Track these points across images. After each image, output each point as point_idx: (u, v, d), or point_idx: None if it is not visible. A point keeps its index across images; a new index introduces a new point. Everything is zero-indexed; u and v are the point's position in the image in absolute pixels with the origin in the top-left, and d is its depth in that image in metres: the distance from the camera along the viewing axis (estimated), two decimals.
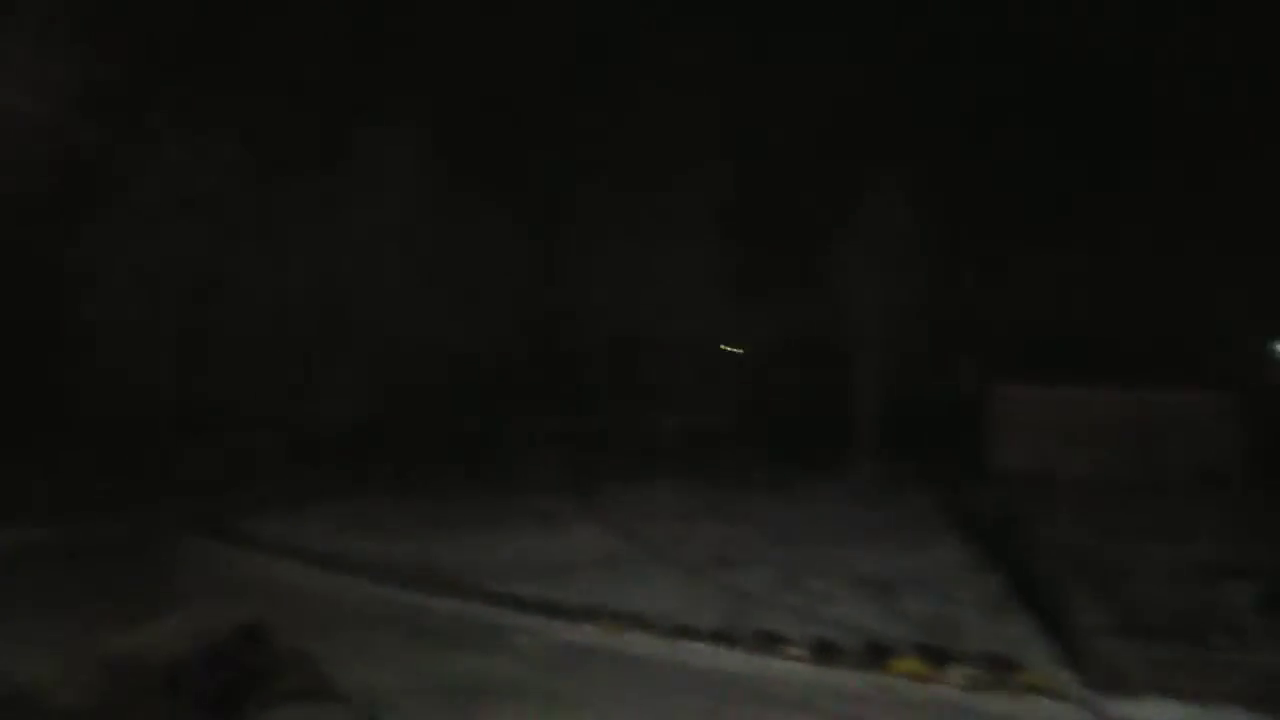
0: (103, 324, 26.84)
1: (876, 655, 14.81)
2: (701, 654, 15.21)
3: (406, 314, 31.61)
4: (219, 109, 28.27)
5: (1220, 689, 12.89)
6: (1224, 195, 29.67)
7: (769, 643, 15.38)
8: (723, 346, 40.32)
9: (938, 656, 14.58)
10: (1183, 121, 30.39)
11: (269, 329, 29.76)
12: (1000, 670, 14.16)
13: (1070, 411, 29.52)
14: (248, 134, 28.47)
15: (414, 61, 33.03)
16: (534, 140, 35.94)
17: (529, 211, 35.96)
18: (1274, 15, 26.52)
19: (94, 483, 24.58)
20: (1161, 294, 30.91)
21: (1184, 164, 30.67)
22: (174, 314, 28.69)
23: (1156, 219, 30.46)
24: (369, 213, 30.96)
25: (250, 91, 29.15)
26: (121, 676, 10.01)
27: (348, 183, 30.48)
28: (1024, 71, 32.33)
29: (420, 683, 13.42)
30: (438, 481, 28.27)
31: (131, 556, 20.80)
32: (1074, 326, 32.68)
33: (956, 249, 32.65)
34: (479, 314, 33.25)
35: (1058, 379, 30.21)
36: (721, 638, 15.61)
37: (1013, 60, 32.33)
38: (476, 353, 33.69)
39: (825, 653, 15.00)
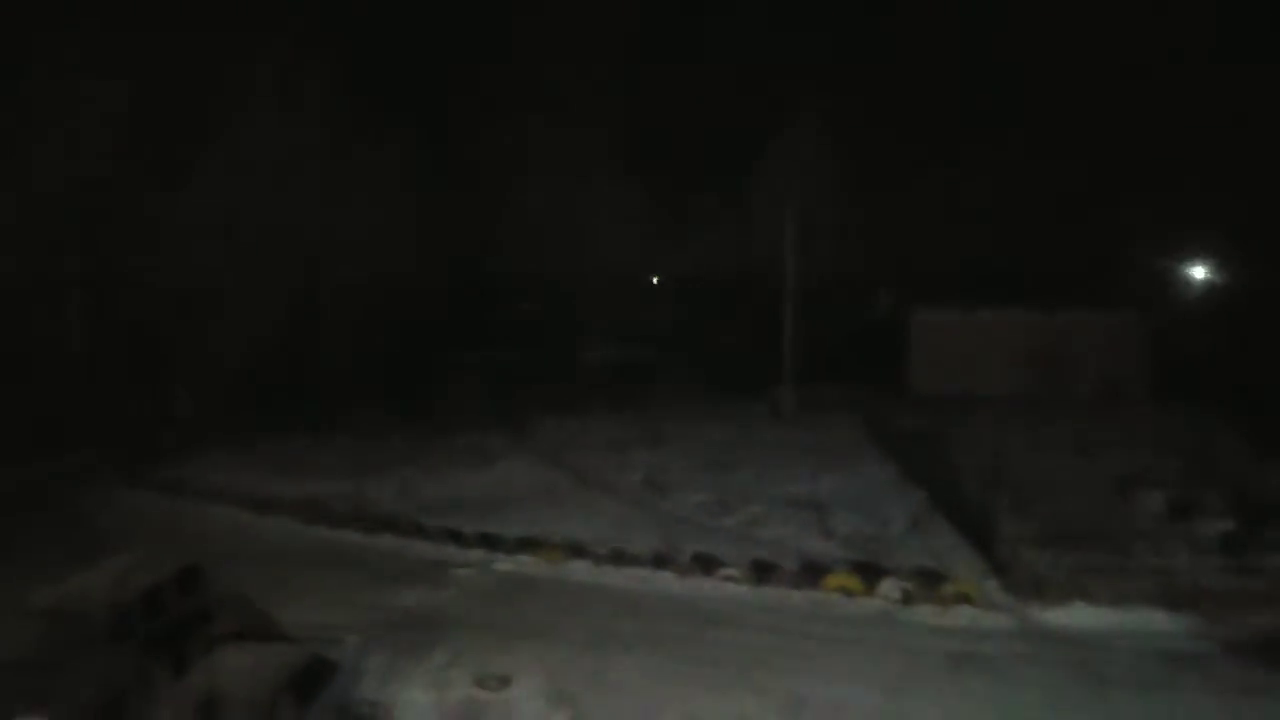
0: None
1: (811, 573, 15.14)
2: (641, 578, 15.36)
3: (328, 251, 30.69)
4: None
5: (1137, 592, 13.55)
6: (1123, 124, 30.43)
7: (706, 565, 15.60)
8: (653, 279, 40.28)
9: (870, 571, 14.98)
10: (1087, 54, 30.91)
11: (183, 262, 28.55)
12: (929, 582, 14.61)
13: (985, 334, 30.37)
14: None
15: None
16: (453, 79, 34.93)
17: (450, 151, 35.09)
18: None
19: (17, 432, 23.46)
20: (1069, 220, 31.73)
21: (1085, 96, 31.28)
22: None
23: (1060, 151, 31.14)
24: (284, 150, 29.71)
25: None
26: (59, 625, 9.63)
27: (260, 118, 29.15)
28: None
29: (362, 619, 13.27)
30: (368, 420, 27.76)
31: (62, 506, 20.03)
32: (985, 253, 33.37)
33: (871, 181, 32.92)
34: (402, 251, 32.45)
35: (972, 303, 30.97)
36: (659, 561, 15.78)
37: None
38: (402, 289, 32.98)
39: (761, 572, 15.28)
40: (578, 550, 16.39)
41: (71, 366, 27.05)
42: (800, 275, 28.97)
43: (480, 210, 36.20)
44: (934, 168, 32.99)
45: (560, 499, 19.63)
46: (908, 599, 14.25)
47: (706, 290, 38.85)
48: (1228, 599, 13.61)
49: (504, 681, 11.66)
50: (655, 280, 42.46)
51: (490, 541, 17.00)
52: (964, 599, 14.15)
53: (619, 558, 16.04)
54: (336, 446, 24.79)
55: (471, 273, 37.62)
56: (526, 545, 16.70)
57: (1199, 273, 30.22)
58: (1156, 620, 13.28)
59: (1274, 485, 18.04)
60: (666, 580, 15.31)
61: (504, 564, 16.24)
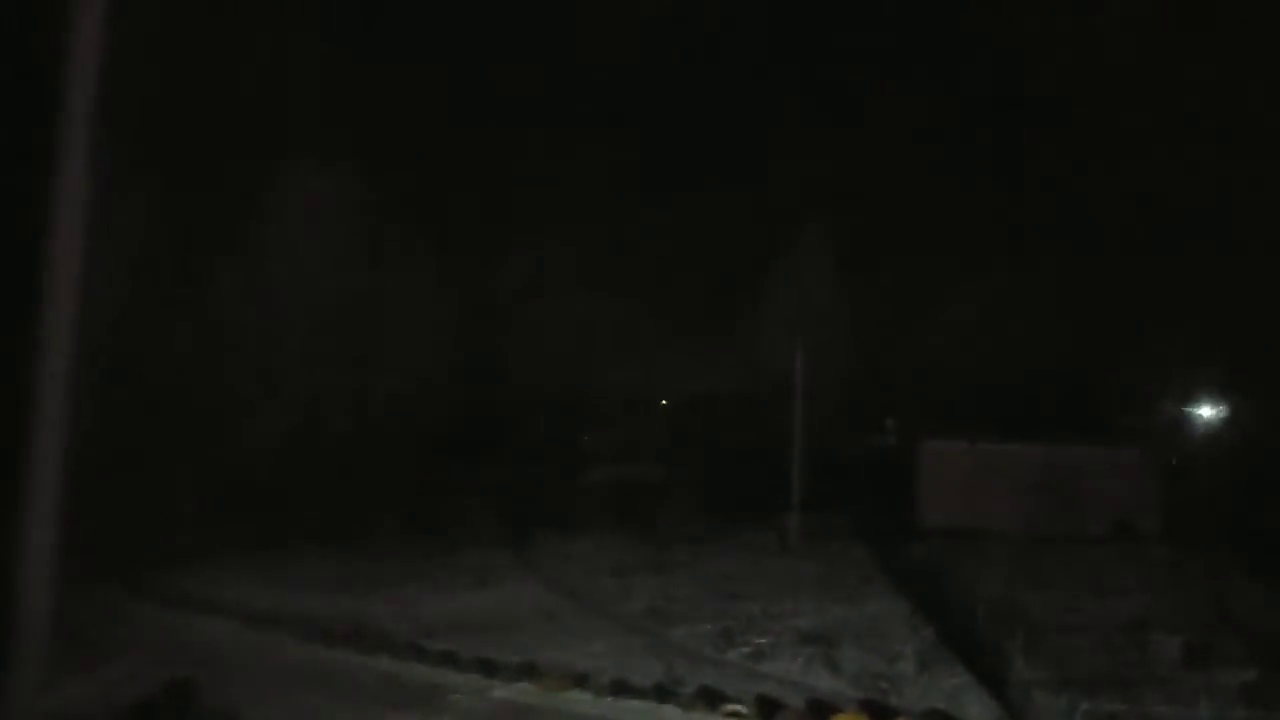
0: None
1: (819, 711, 14.63)
2: (642, 711, 14.87)
3: (337, 363, 31.01)
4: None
5: None
6: (1130, 262, 30.97)
7: (710, 699, 15.11)
8: (661, 401, 40.43)
9: (879, 711, 14.48)
10: (1094, 187, 31.75)
11: (187, 375, 28.81)
12: None
13: (993, 466, 30.16)
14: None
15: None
16: (461, 192, 35.96)
17: (457, 262, 35.86)
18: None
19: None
20: (1074, 356, 31.94)
21: (1089, 230, 31.96)
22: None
23: (1069, 282, 31.61)
24: (292, 261, 30.42)
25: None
26: None
27: (272, 229, 29.97)
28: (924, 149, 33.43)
29: None
30: (369, 535, 27.47)
31: (60, 611, 19.64)
32: (994, 386, 33.51)
33: (880, 308, 33.39)
34: (410, 365, 32.80)
35: (980, 435, 30.91)
36: (662, 694, 15.29)
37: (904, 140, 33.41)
38: (406, 405, 33.16)
39: (767, 709, 14.77)
40: (578, 679, 15.92)
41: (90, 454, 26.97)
42: (808, 401, 29.07)
43: (492, 329, 36.74)
44: (947, 297, 33.47)
45: (561, 624, 19.20)
46: None
47: (714, 414, 38.94)
48: None
49: None
50: (664, 403, 42.62)
51: (488, 667, 16.53)
52: None
53: (620, 688, 15.56)
54: (338, 561, 24.45)
55: (485, 391, 37.87)
56: (526, 672, 16.23)
57: (1212, 412, 30.23)
58: None
59: None
60: (670, 714, 14.81)
61: (501, 691, 15.75)
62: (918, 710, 14.50)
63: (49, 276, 2.19)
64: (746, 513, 30.60)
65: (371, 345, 32.52)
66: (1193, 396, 29.84)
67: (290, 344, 29.70)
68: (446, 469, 34.59)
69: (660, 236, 36.31)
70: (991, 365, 32.97)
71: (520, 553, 25.73)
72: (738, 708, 14.84)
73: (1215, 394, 29.81)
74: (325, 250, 30.89)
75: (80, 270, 2.28)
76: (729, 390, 37.53)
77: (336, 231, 31.37)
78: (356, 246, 31.90)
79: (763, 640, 18.02)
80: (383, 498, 30.85)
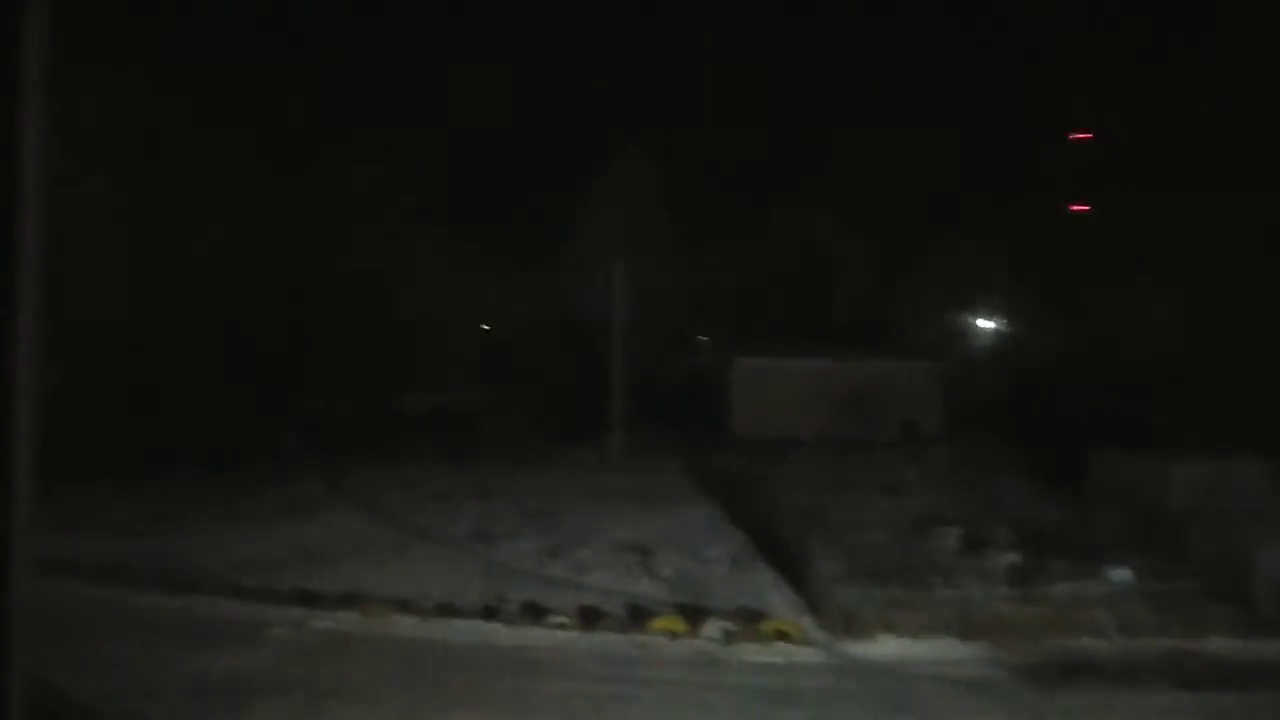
0: None
1: (637, 617, 15.31)
2: (468, 631, 15.07)
3: (131, 287, 28.86)
4: None
5: (936, 623, 14.44)
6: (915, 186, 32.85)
7: (535, 614, 15.50)
8: (482, 326, 39.95)
9: (693, 613, 15.29)
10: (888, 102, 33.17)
11: None
12: (749, 620, 15.06)
13: (799, 380, 31.84)
14: None
15: None
16: (276, 112, 33.78)
17: (267, 184, 33.87)
18: None
19: None
20: (869, 275, 33.82)
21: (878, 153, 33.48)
22: None
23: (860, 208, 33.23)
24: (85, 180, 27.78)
25: None
26: None
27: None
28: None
29: (167, 687, 12.37)
30: (174, 471, 26.04)
31: None
32: (798, 306, 35.09)
33: (695, 232, 34.07)
34: (211, 291, 30.95)
35: (787, 352, 32.47)
36: (488, 613, 15.54)
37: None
38: (213, 335, 31.36)
39: (589, 618, 15.31)
40: (403, 605, 15.90)
41: None
42: (628, 323, 29.55)
43: (304, 254, 35.05)
44: (754, 224, 34.47)
45: (384, 552, 19.04)
46: (729, 638, 14.62)
47: (536, 337, 38.91)
48: (1015, 627, 14.70)
49: None
50: (485, 326, 42.20)
51: (308, 599, 16.24)
52: (782, 636, 14.65)
53: (446, 611, 15.68)
54: (141, 500, 23.09)
55: (292, 315, 36.17)
56: (348, 601, 16.06)
57: (986, 323, 32.83)
58: (953, 649, 14.17)
59: (1053, 519, 19.71)
60: (496, 632, 15.09)
61: (324, 622, 15.54)
62: (729, 609, 15.41)
63: None
64: (569, 434, 31.06)
65: (167, 267, 30.37)
66: (973, 309, 32.36)
67: (84, 262, 27.24)
68: (254, 399, 33.11)
69: (481, 159, 35.49)
70: (799, 284, 34.45)
71: (337, 484, 25.13)
72: (562, 619, 15.31)
73: (993, 306, 32.42)
74: (120, 167, 28.39)
75: None
76: (551, 315, 37.54)
77: (125, 144, 28.79)
78: (150, 161, 29.47)
79: (585, 554, 18.56)
80: (183, 432, 29.21)
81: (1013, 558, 17.22)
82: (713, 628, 14.80)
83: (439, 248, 33.84)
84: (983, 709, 12.27)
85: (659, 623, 14.98)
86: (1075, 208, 30.91)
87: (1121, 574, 16.91)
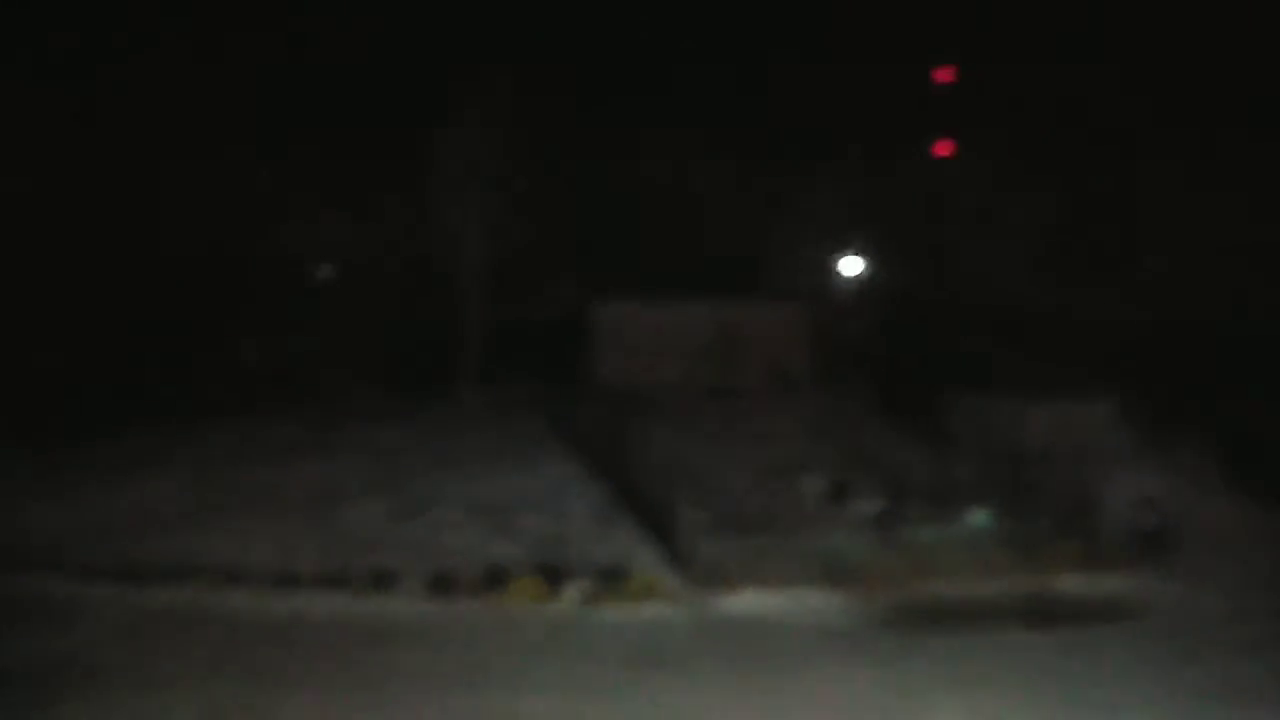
0: None
1: (494, 581, 15.10)
2: (309, 602, 14.54)
3: None
4: None
5: (802, 573, 14.81)
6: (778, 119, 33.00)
7: (383, 582, 15.08)
8: (323, 269, 38.19)
9: (553, 574, 15.19)
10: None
11: None
12: (611, 579, 15.09)
13: (665, 326, 31.86)
14: None
15: None
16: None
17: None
18: None
19: None
20: (727, 215, 33.97)
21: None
22: None
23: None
24: None
25: None
26: None
27: None
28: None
29: None
30: None
31: None
32: (661, 247, 34.97)
33: (550, 171, 33.38)
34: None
35: (652, 297, 32.41)
36: (332, 581, 15.03)
37: None
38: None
39: (442, 584, 15.02)
40: (236, 576, 15.20)
41: None
42: (484, 266, 28.84)
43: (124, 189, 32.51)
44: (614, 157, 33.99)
45: (215, 517, 18.08)
46: (592, 599, 14.61)
47: (384, 281, 37.54)
48: (879, 574, 15.25)
49: None
50: (326, 268, 40.40)
51: (132, 572, 15.32)
52: (646, 593, 14.74)
53: (285, 581, 15.08)
54: None
55: (117, 259, 33.62)
56: (176, 575, 15.23)
57: (854, 267, 33.62)
58: (819, 599, 14.60)
59: (915, 462, 20.49)
60: (341, 601, 14.62)
61: (150, 597, 14.70)
62: (592, 567, 15.38)
63: None
64: (421, 385, 30.21)
65: None
66: (841, 252, 33.02)
67: None
68: (63, 354, 30.76)
69: (317, 92, 33.52)
70: (663, 228, 34.31)
71: (162, 444, 23.65)
72: (411, 585, 14.94)
73: (859, 249, 33.16)
74: None
75: None
76: (401, 257, 36.22)
77: None
78: None
79: (437, 515, 18.13)
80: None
81: (877, 504, 17.81)
82: (575, 588, 14.77)
83: (273, 180, 32.03)
84: (845, 658, 12.66)
85: (517, 586, 14.83)
86: (940, 149, 31.85)
87: (980, 516, 17.78)
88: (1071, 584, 16.08)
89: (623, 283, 32.85)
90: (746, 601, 14.49)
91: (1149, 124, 26.86)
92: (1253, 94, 25.38)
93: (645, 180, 33.56)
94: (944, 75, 32.29)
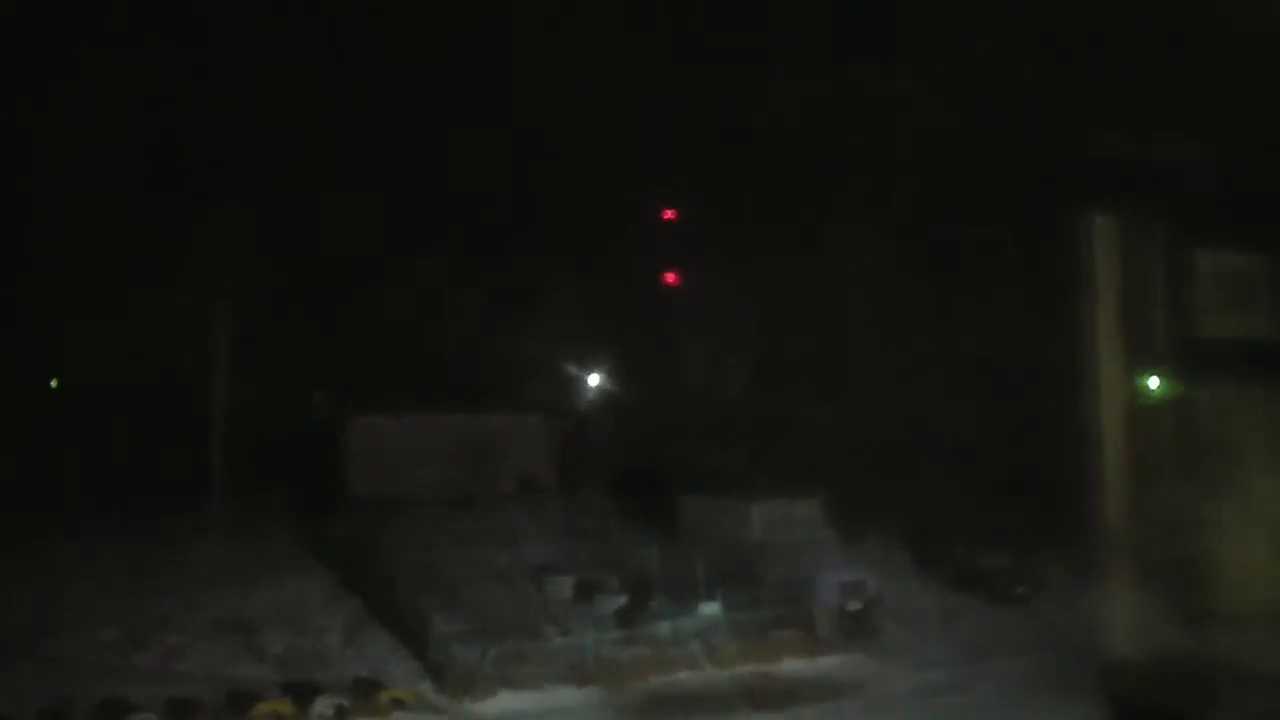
0: None
1: (238, 704, 13.85)
2: None
3: None
4: None
5: (552, 673, 14.68)
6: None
7: (113, 713, 13.41)
8: (50, 382, 34.44)
9: (303, 692, 14.15)
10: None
11: None
12: (364, 692, 14.27)
13: (416, 437, 31.11)
14: None
15: None
16: None
17: None
18: None
19: None
20: (483, 335, 34.17)
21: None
22: None
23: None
24: None
25: None
26: None
27: None
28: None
29: None
30: None
31: None
32: (413, 362, 34.44)
33: (303, 286, 32.31)
34: None
35: (403, 409, 31.66)
36: (51, 717, 13.16)
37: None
38: None
39: (181, 712, 13.57)
40: None
41: None
42: (233, 380, 27.10)
43: None
44: (365, 278, 33.38)
45: None
46: (342, 714, 13.73)
47: (121, 396, 34.32)
48: (622, 668, 15.37)
49: None
50: (53, 383, 36.45)
51: None
52: (399, 704, 14.04)
53: None
54: None
55: None
56: None
57: (593, 379, 34.55)
58: (567, 696, 14.51)
59: (654, 560, 21.01)
60: None
61: None
62: (343, 682, 14.48)
63: None
64: (160, 501, 27.53)
65: None
66: (584, 365, 33.90)
67: None
68: None
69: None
70: (415, 345, 33.84)
71: None
72: (146, 716, 13.38)
73: (598, 363, 34.20)
74: None
75: None
76: (141, 371, 33.30)
77: None
78: None
79: (177, 638, 16.47)
80: None
81: (620, 601, 18.06)
82: (325, 705, 13.83)
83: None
84: None
85: (263, 707, 13.69)
86: (668, 278, 33.79)
87: (711, 608, 18.43)
88: (793, 666, 16.94)
89: (376, 396, 31.97)
90: (500, 705, 14.18)
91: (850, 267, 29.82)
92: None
93: (398, 301, 33.17)
94: (668, 214, 34.49)
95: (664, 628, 17.15)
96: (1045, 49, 26.24)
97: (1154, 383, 25.65)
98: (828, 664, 17.05)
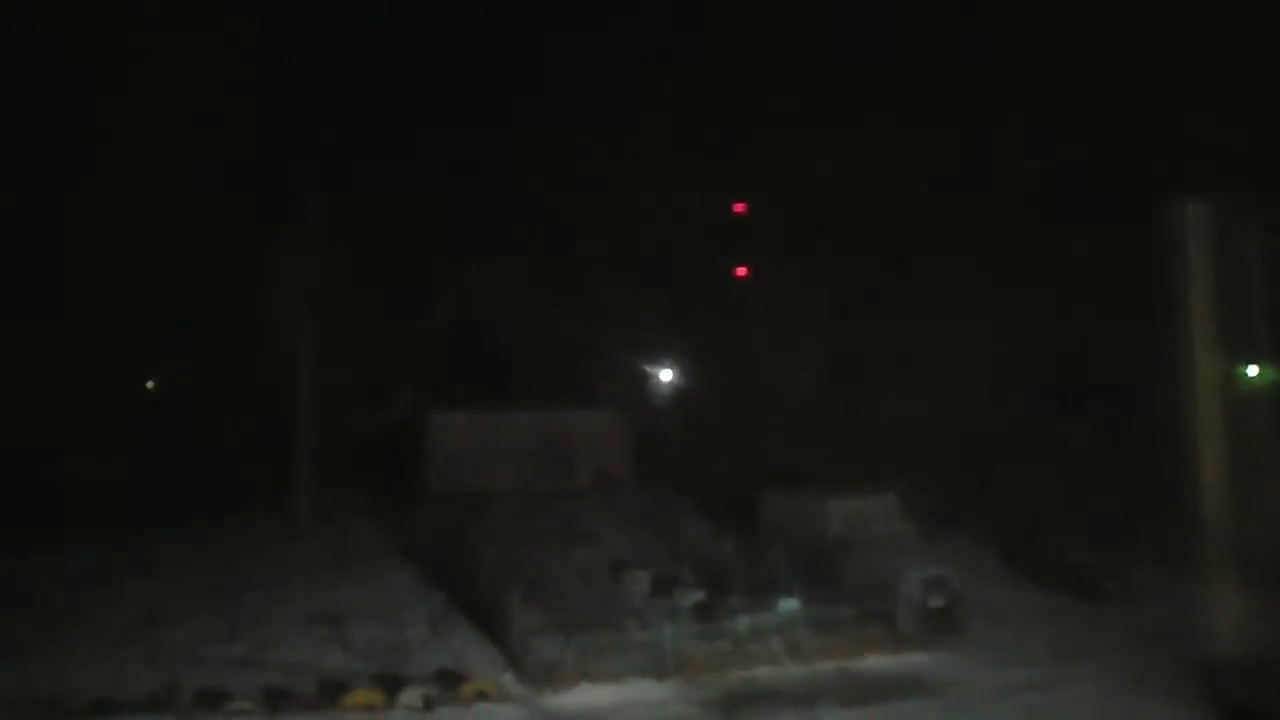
0: None
1: (329, 693, 14.25)
2: None
3: None
4: None
5: (631, 666, 14.74)
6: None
7: (211, 701, 13.93)
8: (146, 384, 35.82)
9: (390, 683, 14.49)
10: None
11: None
12: (450, 683, 14.53)
13: (494, 434, 31.58)
14: None
15: None
16: None
17: None
18: None
19: None
20: (555, 332, 34.38)
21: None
22: None
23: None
24: None
25: None
26: None
27: None
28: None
29: None
30: None
31: None
32: (490, 359, 34.89)
33: (387, 279, 32.95)
34: None
35: (481, 406, 32.15)
36: (157, 704, 13.74)
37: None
38: None
39: (274, 700, 14.02)
40: (52, 705, 13.67)
41: None
42: (315, 377, 27.84)
43: None
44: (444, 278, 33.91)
45: (29, 645, 16.24)
46: (429, 704, 14.01)
47: (211, 394, 35.54)
48: (702, 662, 15.36)
49: None
50: (150, 384, 37.88)
51: None
52: (483, 695, 14.26)
53: (104, 708, 13.67)
54: None
55: None
56: None
57: (667, 375, 34.57)
58: (647, 691, 14.54)
59: (731, 556, 20.95)
60: None
61: None
62: (428, 673, 14.77)
63: None
64: (250, 499, 28.47)
65: None
66: (657, 361, 33.94)
67: None
68: None
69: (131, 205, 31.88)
70: (493, 343, 34.28)
71: None
72: (242, 704, 13.87)
73: (673, 358, 34.19)
74: None
75: None
76: (229, 370, 34.42)
77: None
78: None
79: (269, 629, 17.00)
80: None
81: (698, 596, 18.02)
82: (412, 695, 14.12)
83: (84, 294, 29.96)
84: None
85: (353, 697, 14.05)
86: (739, 272, 33.62)
87: (789, 604, 18.25)
88: (875, 663, 16.69)
89: (456, 394, 32.51)
90: (579, 697, 14.28)
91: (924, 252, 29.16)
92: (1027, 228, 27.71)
93: (477, 300, 33.65)
94: (739, 207, 34.27)
95: (742, 623, 17.06)
96: (1140, 33, 25.29)
97: (1253, 371, 24.58)
98: (911, 661, 16.73)
